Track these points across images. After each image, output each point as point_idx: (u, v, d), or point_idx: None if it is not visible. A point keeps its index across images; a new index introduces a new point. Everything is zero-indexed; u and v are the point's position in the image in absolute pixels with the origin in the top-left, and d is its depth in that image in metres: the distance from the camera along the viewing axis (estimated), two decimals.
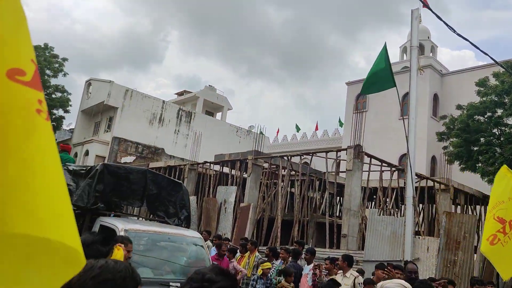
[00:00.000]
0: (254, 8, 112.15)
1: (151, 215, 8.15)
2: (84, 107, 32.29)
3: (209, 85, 39.11)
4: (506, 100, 19.12)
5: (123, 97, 30.44)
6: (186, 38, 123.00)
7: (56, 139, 34.30)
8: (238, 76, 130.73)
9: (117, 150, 28.60)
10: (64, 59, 28.35)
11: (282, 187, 17.19)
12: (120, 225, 5.69)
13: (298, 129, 38.34)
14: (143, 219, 8.83)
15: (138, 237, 5.62)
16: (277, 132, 40.49)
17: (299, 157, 16.94)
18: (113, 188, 6.82)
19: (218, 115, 38.61)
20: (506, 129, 19.55)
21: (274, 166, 18.57)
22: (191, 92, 39.08)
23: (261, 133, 21.38)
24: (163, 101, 32.90)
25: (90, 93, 32.15)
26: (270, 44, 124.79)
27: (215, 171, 19.86)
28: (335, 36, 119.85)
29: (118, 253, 3.25)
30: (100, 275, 1.36)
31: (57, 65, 27.89)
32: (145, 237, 5.89)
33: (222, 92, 39.13)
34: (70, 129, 34.54)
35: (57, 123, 28.71)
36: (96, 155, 28.58)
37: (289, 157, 17.57)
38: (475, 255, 9.75)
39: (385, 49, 9.18)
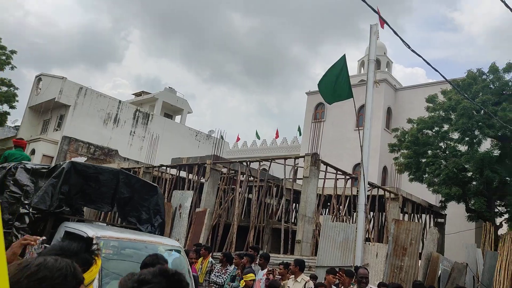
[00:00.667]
0: (220, 14, 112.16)
1: (121, 221, 7.46)
2: (33, 104, 30.79)
3: (169, 87, 38.59)
4: (452, 116, 20.37)
5: (76, 95, 29.36)
6: (149, 39, 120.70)
7: None
8: (200, 80, 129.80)
9: (66, 150, 27.44)
10: (13, 52, 26.96)
11: (239, 192, 17.28)
12: (91, 232, 5.07)
13: (258, 136, 38.68)
14: (109, 225, 8.08)
15: (111, 245, 5.13)
16: (238, 138, 40.59)
17: (258, 163, 17.12)
18: (80, 190, 6.20)
19: (177, 118, 38.15)
20: (451, 143, 20.81)
21: (233, 172, 18.65)
22: (150, 94, 38.37)
23: (221, 138, 21.40)
24: (120, 101, 32.05)
25: (39, 89, 30.72)
26: (235, 50, 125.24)
27: (172, 175, 19.64)
28: (298, 47, 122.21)
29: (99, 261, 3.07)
30: (36, 273, 1.26)
31: (4, 57, 26.47)
32: (119, 246, 5.31)
33: (183, 95, 38.70)
34: (16, 126, 32.82)
35: (1, 118, 27.23)
36: (43, 155, 27.31)
37: (248, 163, 17.72)
38: (419, 261, 10.31)
39: (344, 59, 9.56)
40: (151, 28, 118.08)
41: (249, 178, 17.85)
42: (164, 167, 19.61)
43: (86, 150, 28.21)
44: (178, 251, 5.81)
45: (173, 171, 19.67)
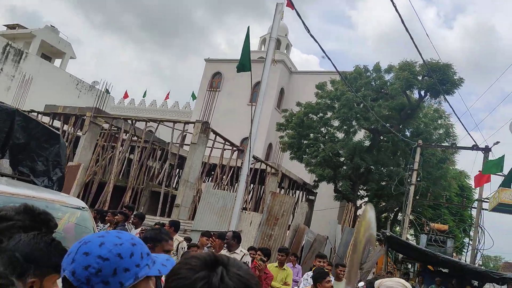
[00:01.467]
0: None
1: (12, 171, 6.02)
2: None
3: (51, 26, 34.15)
4: (336, 105, 22.04)
5: None
6: None
7: None
8: (90, 25, 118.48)
9: None
10: None
11: (120, 151, 16.41)
12: None
13: (145, 95, 37.08)
14: None
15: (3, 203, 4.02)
16: (125, 94, 38.26)
17: (144, 123, 16.37)
18: None
19: (57, 62, 34.17)
20: (331, 129, 22.60)
21: (116, 129, 17.57)
22: (26, 29, 33.57)
23: (106, 91, 19.88)
24: None
25: None
26: (136, 2, 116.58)
27: (43, 123, 17.70)
28: (203, 12, 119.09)
29: None
30: None
31: None
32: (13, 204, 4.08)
33: (67, 37, 34.71)
34: None
35: None
36: None
37: (134, 122, 16.85)
38: (288, 231, 11.08)
39: (247, 32, 9.53)
40: None
41: (133, 138, 17.04)
42: (35, 113, 17.55)
43: None
44: (84, 215, 4.86)
45: (46, 119, 17.75)
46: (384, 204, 23.22)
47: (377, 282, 2.83)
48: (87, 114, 15.97)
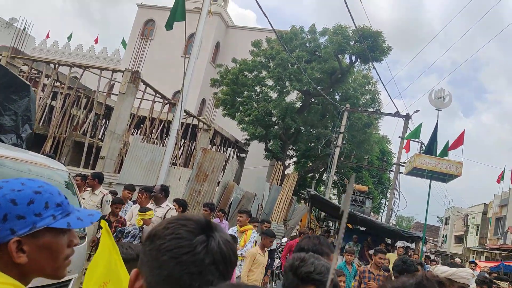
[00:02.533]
0: None
1: None
2: None
3: None
4: (271, 64, 22.04)
5: None
6: None
7: None
8: None
9: None
10: None
11: (41, 97, 15.13)
12: None
13: (70, 38, 34.15)
14: None
15: None
16: (47, 35, 34.86)
17: (68, 68, 15.10)
18: None
19: None
20: (265, 88, 22.70)
21: (36, 72, 16.06)
22: None
23: (24, 29, 17.93)
24: None
25: None
26: None
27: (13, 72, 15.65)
28: None
29: None
30: None
31: None
32: None
33: None
34: None
35: None
36: None
37: (57, 66, 15.49)
38: (217, 187, 11.17)
39: None
40: None
41: (55, 83, 15.73)
42: None
43: None
44: (66, 179, 4.26)
45: None
46: (311, 164, 24.26)
47: (445, 271, 2.90)
48: (3, 54, 14.36)
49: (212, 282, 0.85)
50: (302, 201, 21.30)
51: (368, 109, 21.66)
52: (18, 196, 1.03)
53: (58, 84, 15.75)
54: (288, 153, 23.51)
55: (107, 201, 5.85)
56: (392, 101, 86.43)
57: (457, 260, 16.07)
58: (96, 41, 35.22)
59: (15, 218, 1.00)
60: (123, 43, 31.02)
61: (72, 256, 1.12)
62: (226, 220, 9.72)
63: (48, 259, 1.06)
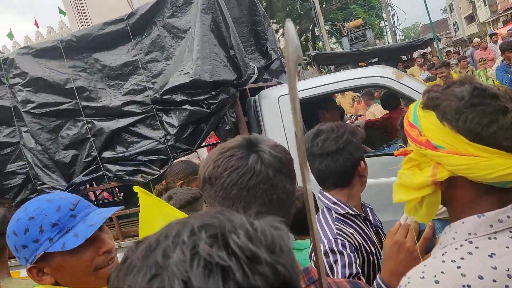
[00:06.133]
0: None
1: None
2: None
3: None
4: None
5: None
6: None
7: None
8: None
9: None
10: None
11: None
12: None
13: (11, 36, 32.04)
14: None
15: None
16: None
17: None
18: None
19: None
20: None
21: None
22: None
23: None
24: None
25: None
26: None
27: None
28: None
29: None
30: None
31: None
32: None
33: None
34: None
35: None
36: None
37: None
38: None
39: None
40: None
41: None
42: None
43: None
44: None
45: None
46: (298, 27, 23.23)
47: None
48: None
49: (285, 187, 0.89)
50: (308, 67, 20.92)
51: None
52: (16, 226, 1.04)
53: None
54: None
55: None
56: None
57: (476, 39, 15.63)
58: (36, 24, 32.95)
59: (21, 248, 1.03)
60: (61, 12, 28.85)
61: (110, 261, 1.09)
62: None
63: (71, 277, 1.05)
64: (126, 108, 3.62)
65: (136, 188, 1.75)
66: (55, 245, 1.01)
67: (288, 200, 0.91)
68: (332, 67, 19.43)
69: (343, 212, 1.50)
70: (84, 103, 3.73)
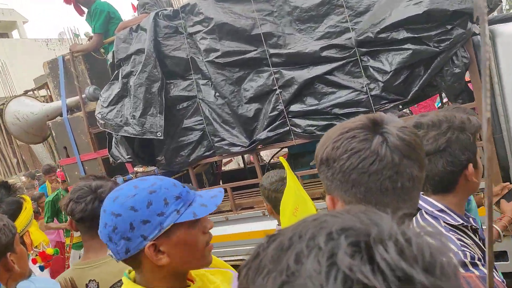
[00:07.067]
0: None
1: None
2: None
3: None
4: None
5: None
6: None
7: None
8: None
9: None
10: None
11: None
12: None
13: None
14: None
15: None
16: None
17: None
18: None
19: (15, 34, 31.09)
20: None
21: None
22: None
23: None
24: None
25: None
26: None
27: None
28: None
29: (29, 203, 2.04)
30: None
31: None
32: None
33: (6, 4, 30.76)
34: None
35: None
36: None
37: None
38: None
39: None
40: None
41: None
42: (31, 91, 16.25)
43: None
44: None
45: (43, 93, 16.48)
46: None
47: None
48: None
49: (412, 174, 0.78)
50: None
51: None
52: (135, 201, 0.98)
53: None
54: None
55: None
56: None
57: None
58: None
59: (141, 224, 0.97)
60: None
61: (210, 240, 1.08)
62: None
63: (188, 253, 1.03)
64: (324, 54, 3.18)
65: (282, 159, 1.89)
66: (185, 215, 1.00)
67: (414, 188, 0.79)
68: None
69: (455, 223, 1.24)
70: (272, 51, 3.37)
